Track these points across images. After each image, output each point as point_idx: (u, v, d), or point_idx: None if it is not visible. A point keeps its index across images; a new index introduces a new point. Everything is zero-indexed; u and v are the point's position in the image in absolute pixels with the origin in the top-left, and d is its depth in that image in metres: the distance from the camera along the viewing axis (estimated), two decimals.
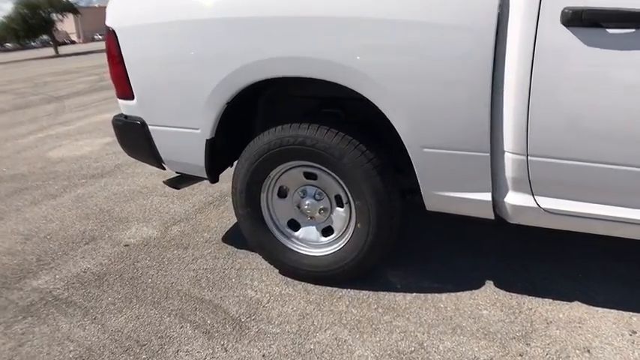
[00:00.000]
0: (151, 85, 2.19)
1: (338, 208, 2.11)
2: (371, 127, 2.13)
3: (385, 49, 1.72)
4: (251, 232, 2.23)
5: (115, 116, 2.46)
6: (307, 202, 2.13)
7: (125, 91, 2.27)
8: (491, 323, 1.93)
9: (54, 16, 41.56)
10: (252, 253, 2.52)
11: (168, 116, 2.21)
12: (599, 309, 1.97)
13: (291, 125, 1.99)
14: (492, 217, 1.88)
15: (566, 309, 1.99)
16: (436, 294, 2.12)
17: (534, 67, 1.57)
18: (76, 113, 7.38)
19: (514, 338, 1.85)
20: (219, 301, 2.14)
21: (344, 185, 2.01)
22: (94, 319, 2.09)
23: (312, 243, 2.20)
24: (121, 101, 2.35)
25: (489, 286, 2.16)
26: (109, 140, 5.08)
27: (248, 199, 2.16)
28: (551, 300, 2.05)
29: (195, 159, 2.22)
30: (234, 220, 2.89)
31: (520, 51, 1.57)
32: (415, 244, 2.51)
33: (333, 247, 2.15)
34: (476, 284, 2.17)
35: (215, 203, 3.22)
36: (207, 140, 2.14)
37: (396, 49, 1.70)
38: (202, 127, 2.12)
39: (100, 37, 72.63)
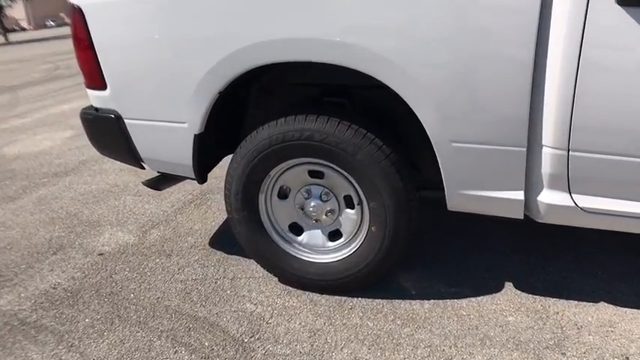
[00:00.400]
0: (128, 72, 1.85)
1: (348, 210, 1.86)
2: (382, 118, 1.89)
3: (413, 31, 1.46)
4: (248, 239, 1.95)
5: (84, 109, 2.11)
6: (312, 204, 1.86)
7: (96, 80, 1.92)
8: (520, 331, 1.74)
9: (2, 1, 38.97)
10: (246, 259, 2.24)
11: (149, 109, 1.89)
12: (627, 310, 1.81)
13: (295, 117, 1.72)
14: (522, 216, 1.68)
15: (593, 311, 1.83)
16: (455, 300, 1.91)
17: (583, 52, 1.36)
18: (32, 105, 6.76)
19: (547, 347, 1.66)
20: (216, 318, 1.86)
21: (356, 185, 1.76)
22: (71, 346, 1.77)
23: (317, 248, 1.94)
24: (90, 92, 2.00)
25: (509, 288, 1.97)
26: (70, 134, 4.62)
27: (244, 201, 1.87)
28: (576, 302, 1.88)
29: (181, 157, 1.92)
30: (220, 220, 2.60)
31: (567, 34, 1.35)
32: (424, 242, 2.30)
33: (342, 252, 1.90)
34: (495, 287, 1.98)
35: (196, 202, 2.91)
36: (195, 135, 1.83)
37: (426, 32, 1.45)
38: (190, 120, 1.81)
39: (52, 23, 68.86)
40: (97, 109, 2.02)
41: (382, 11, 1.46)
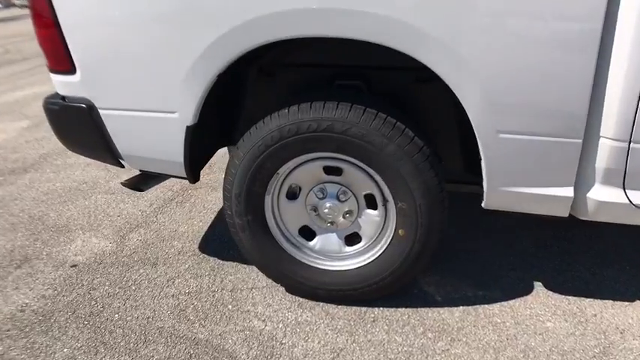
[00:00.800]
0: (102, 53, 1.50)
1: (369, 211, 1.60)
2: (402, 104, 1.63)
3: (469, 8, 1.20)
4: (251, 246, 1.66)
5: (48, 98, 1.74)
6: (328, 205, 1.59)
7: (62, 62, 1.56)
8: (561, 339, 1.55)
9: None
10: (244, 265, 1.95)
11: (130, 96, 1.55)
12: None
13: (311, 104, 1.43)
14: (566, 214, 1.47)
15: (631, 311, 1.66)
16: (486, 306, 1.70)
17: None
18: None
19: (594, 357, 1.48)
20: (220, 341, 1.57)
21: (382, 182, 1.50)
22: None
23: (332, 255, 1.67)
24: (55, 77, 1.64)
25: (540, 289, 1.78)
26: (27, 124, 4.11)
27: (248, 204, 1.58)
28: (611, 301, 1.71)
29: (170, 152, 1.60)
30: (208, 220, 2.29)
31: (636, 22, 1.13)
32: None
33: (361, 258, 1.64)
34: (524, 288, 1.78)
35: (177, 199, 2.57)
36: (187, 127, 1.52)
37: (485, 12, 1.20)
38: (181, 109, 1.49)
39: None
40: (63, 98, 1.66)
41: None
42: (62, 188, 2.81)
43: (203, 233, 2.22)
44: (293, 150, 1.48)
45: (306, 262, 1.67)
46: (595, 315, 1.65)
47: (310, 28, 1.29)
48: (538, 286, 1.79)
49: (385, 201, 1.56)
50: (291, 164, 1.53)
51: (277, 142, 1.46)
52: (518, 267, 1.89)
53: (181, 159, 1.59)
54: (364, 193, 1.57)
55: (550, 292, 1.76)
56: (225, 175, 1.59)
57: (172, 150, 1.58)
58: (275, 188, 1.60)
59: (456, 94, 1.30)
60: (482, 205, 1.53)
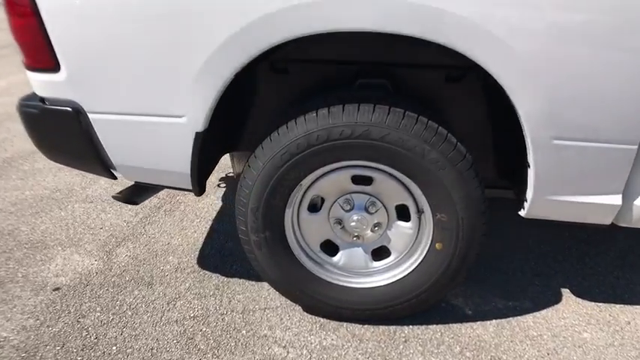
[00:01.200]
0: (94, 47, 1.25)
1: (400, 223, 1.43)
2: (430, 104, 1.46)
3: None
4: (268, 265, 1.45)
5: (23, 99, 1.47)
6: (356, 217, 1.40)
7: (42, 58, 1.30)
8: (602, 351, 1.44)
9: None
10: (251, 281, 1.74)
11: (126, 98, 1.30)
12: None
13: (344, 107, 1.24)
14: (609, 222, 1.36)
15: None
16: (519, 317, 1.57)
17: None
18: None
19: None
20: None
21: (420, 193, 1.33)
22: None
23: (358, 271, 1.50)
24: (33, 75, 1.37)
25: (568, 296, 1.67)
26: None
27: (266, 218, 1.38)
28: None
29: (175, 162, 1.37)
30: (203, 230, 2.06)
31: None
32: None
33: (390, 274, 1.47)
34: (553, 296, 1.67)
35: (165, 207, 2.31)
36: (197, 134, 1.29)
37: (548, 8, 1.04)
38: (190, 113, 1.27)
39: None
40: (43, 100, 1.39)
41: None
42: (33, 197, 2.48)
43: (200, 246, 1.98)
44: (322, 159, 1.28)
45: (329, 279, 1.49)
46: (629, 322, 1.56)
47: (357, 21, 1.10)
48: (566, 293, 1.68)
49: (420, 212, 1.39)
50: (316, 174, 1.34)
51: (304, 150, 1.26)
52: (542, 273, 1.78)
53: (188, 169, 1.36)
54: (396, 203, 1.40)
55: (579, 300, 1.65)
56: (238, 187, 1.38)
57: (177, 159, 1.35)
58: (296, 200, 1.40)
59: (511, 98, 1.14)
60: (521, 213, 1.39)
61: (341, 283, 1.49)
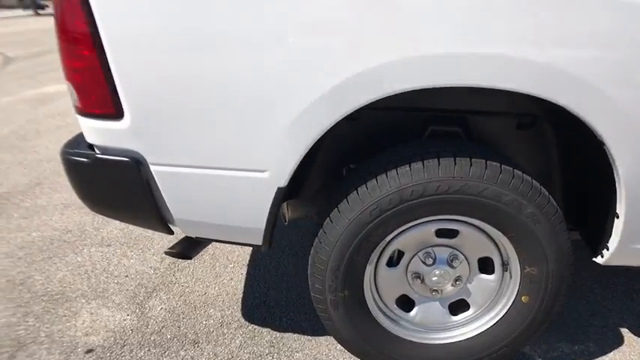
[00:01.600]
0: (168, 92, 1.10)
1: (483, 276, 1.33)
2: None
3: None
4: (343, 324, 1.32)
5: (68, 147, 1.30)
6: (437, 272, 1.30)
7: (103, 103, 1.14)
8: None
9: None
10: (306, 335, 1.60)
11: (199, 150, 1.16)
12: None
13: (439, 161, 1.14)
14: None
15: None
16: None
17: None
18: None
19: None
20: None
21: (510, 246, 1.24)
22: None
23: (434, 326, 1.39)
24: (87, 121, 1.21)
25: (629, 336, 1.61)
26: None
27: (347, 277, 1.25)
28: None
29: (248, 218, 1.23)
30: (239, 277, 1.92)
31: None
32: None
33: (469, 328, 1.37)
34: (614, 337, 1.61)
35: None
36: (279, 189, 1.16)
37: None
38: (275, 167, 1.14)
39: None
40: (95, 149, 1.23)
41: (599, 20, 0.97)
42: (41, 239, 2.25)
43: (241, 296, 1.82)
44: (413, 214, 1.18)
45: (404, 336, 1.37)
46: None
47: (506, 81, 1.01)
48: (626, 333, 1.63)
49: (504, 264, 1.30)
50: (402, 229, 1.23)
51: (396, 206, 1.15)
52: (596, 312, 1.72)
53: (262, 225, 1.22)
54: (479, 256, 1.31)
55: None
56: (316, 243, 1.25)
57: (252, 215, 1.22)
58: (377, 257, 1.28)
59: (610, 150, 1.08)
60: (599, 261, 1.32)
61: (417, 340, 1.37)
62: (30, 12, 16.86)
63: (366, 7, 0.99)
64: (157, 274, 1.96)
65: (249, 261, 2.03)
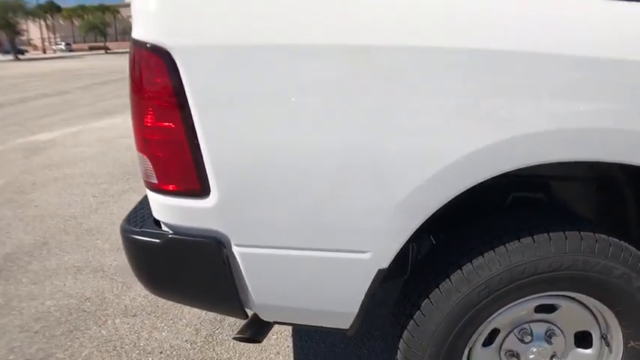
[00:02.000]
0: (263, 167, 0.98)
1: (580, 350, 1.23)
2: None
3: None
4: None
5: (128, 223, 1.15)
6: (535, 349, 1.19)
7: (187, 178, 1.01)
8: None
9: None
10: None
11: (293, 230, 1.04)
12: None
13: (550, 236, 1.06)
14: None
15: None
16: None
17: None
18: None
19: None
20: None
21: (615, 319, 1.15)
22: None
23: None
24: (162, 198, 1.07)
25: None
26: None
27: None
28: None
29: (339, 302, 1.10)
30: (286, 351, 1.77)
31: None
32: None
33: None
34: None
35: (229, 320, 1.93)
36: (380, 270, 1.04)
37: None
38: (378, 247, 1.02)
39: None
40: (161, 226, 1.09)
41: None
42: (58, 309, 2.02)
43: None
44: (522, 293, 1.08)
45: None
46: None
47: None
48: None
49: (603, 338, 1.21)
50: (505, 308, 1.12)
51: (506, 285, 1.06)
52: None
53: (355, 309, 1.09)
54: (577, 330, 1.21)
55: None
56: (412, 328, 1.12)
57: (345, 298, 1.09)
58: (476, 338, 1.17)
59: None
60: None
61: None
62: (10, 57, 16.69)
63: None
64: (194, 348, 1.77)
65: (292, 330, 1.87)
